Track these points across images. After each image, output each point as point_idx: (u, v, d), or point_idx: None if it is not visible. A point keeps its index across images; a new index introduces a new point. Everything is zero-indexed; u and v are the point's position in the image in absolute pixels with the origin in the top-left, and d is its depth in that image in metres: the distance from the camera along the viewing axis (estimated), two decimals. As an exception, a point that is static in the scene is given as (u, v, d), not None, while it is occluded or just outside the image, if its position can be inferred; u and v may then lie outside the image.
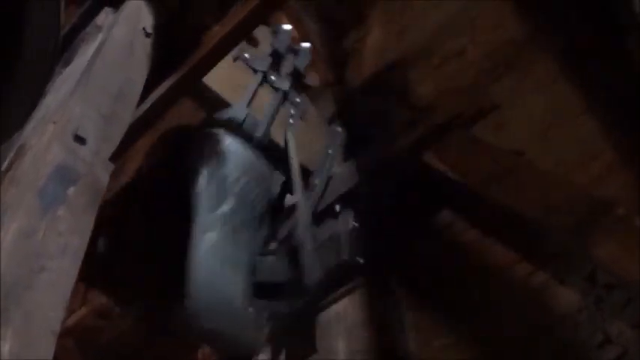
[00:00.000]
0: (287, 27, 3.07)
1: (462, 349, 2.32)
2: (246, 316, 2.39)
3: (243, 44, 2.83)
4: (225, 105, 2.73)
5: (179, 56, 2.13)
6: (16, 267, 1.27)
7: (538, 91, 2.66)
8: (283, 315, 2.44)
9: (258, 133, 2.71)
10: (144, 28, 2.05)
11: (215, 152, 2.58)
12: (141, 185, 2.74)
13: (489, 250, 2.42)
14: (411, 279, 2.63)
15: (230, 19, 2.03)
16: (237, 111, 2.70)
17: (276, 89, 2.93)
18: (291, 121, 2.91)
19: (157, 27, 2.10)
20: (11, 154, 1.70)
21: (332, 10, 4.08)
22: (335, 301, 2.50)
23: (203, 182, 2.54)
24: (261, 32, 2.95)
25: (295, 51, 3.04)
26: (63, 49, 2.04)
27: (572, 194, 2.16)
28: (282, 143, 2.81)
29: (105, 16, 2.13)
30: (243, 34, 2.11)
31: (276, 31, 3.03)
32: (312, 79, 3.19)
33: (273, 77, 2.93)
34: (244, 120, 2.68)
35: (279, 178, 2.75)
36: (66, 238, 1.40)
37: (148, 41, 2.05)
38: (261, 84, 2.87)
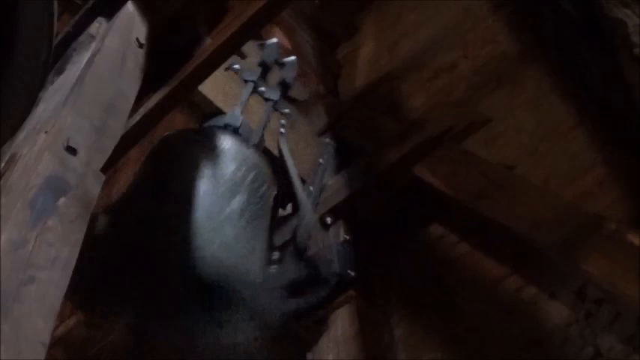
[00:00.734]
0: (274, 40, 3.09)
1: (451, 362, 2.32)
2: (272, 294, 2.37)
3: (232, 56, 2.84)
4: (219, 112, 2.75)
5: (171, 67, 2.13)
6: (5, 278, 1.25)
7: (529, 106, 2.67)
8: (305, 309, 2.42)
9: (254, 140, 2.71)
10: (137, 39, 2.05)
11: (218, 151, 2.57)
12: (133, 193, 2.72)
13: (479, 264, 2.42)
14: (401, 292, 2.63)
15: (222, 32, 2.04)
16: (233, 117, 2.71)
17: (266, 99, 2.94)
18: (282, 130, 2.91)
19: (150, 38, 2.10)
20: (2, 164, 1.70)
21: (325, 22, 4.11)
22: (325, 313, 2.49)
23: (209, 181, 2.52)
24: (249, 46, 2.96)
25: (282, 64, 3.05)
26: (55, 57, 2.03)
27: (562, 209, 2.16)
28: (275, 152, 2.81)
29: (98, 26, 2.12)
30: (235, 46, 2.12)
31: (264, 45, 3.04)
32: (300, 93, 3.20)
33: (262, 88, 2.94)
34: (240, 126, 2.69)
35: (279, 180, 2.74)
36: (56, 249, 1.38)
37: (141, 52, 2.05)
38: (251, 94, 2.89)
